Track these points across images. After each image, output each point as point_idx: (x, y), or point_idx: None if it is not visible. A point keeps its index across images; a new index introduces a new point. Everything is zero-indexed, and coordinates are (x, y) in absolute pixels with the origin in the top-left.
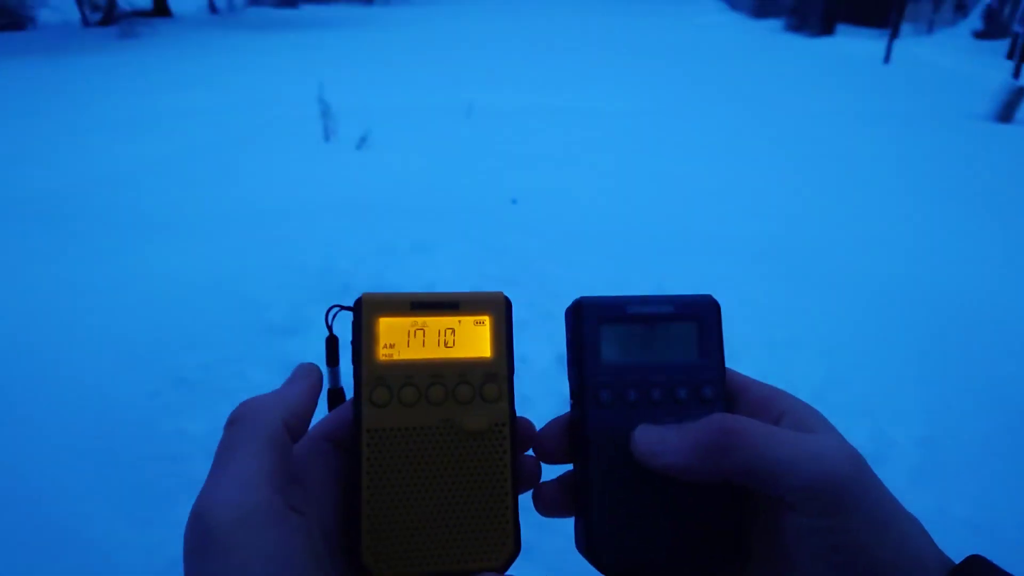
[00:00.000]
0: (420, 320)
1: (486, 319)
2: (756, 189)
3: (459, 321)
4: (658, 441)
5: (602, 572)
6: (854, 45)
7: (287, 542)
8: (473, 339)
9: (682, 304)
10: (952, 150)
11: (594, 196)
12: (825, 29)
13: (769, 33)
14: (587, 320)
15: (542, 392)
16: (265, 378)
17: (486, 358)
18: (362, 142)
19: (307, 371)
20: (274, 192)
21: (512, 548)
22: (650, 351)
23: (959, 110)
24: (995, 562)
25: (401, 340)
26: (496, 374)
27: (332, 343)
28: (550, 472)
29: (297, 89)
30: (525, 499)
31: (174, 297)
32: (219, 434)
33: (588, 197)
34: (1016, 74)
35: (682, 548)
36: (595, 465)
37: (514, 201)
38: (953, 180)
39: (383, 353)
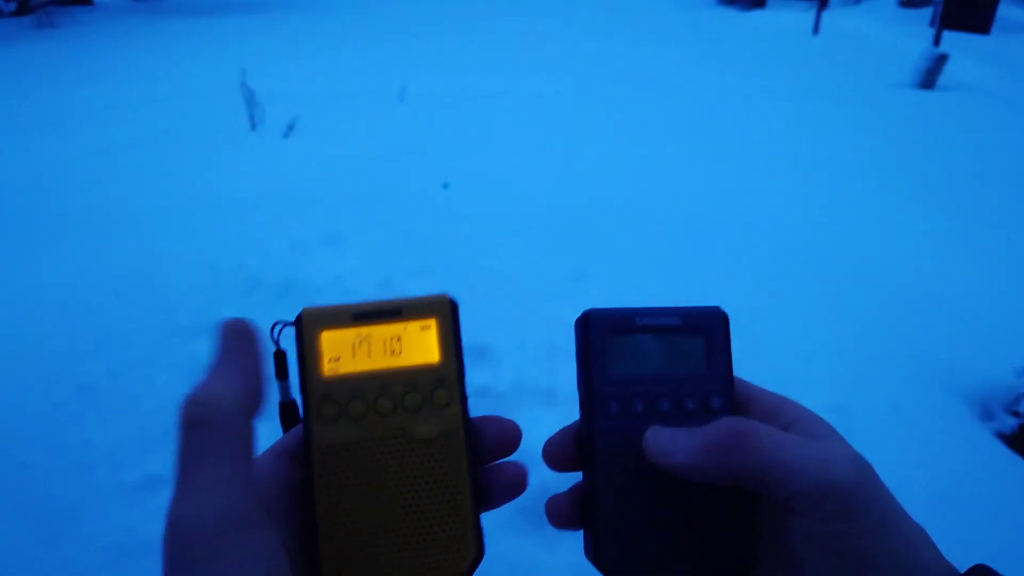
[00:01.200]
0: (364, 331)
1: (431, 323)
2: (692, 164)
3: (404, 328)
4: (669, 440)
5: None
6: (784, 17)
7: (267, 544)
8: (420, 345)
9: (690, 316)
10: (877, 119)
11: (530, 179)
12: (756, 2)
13: (702, 7)
14: (595, 332)
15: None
16: (174, 383)
17: (434, 363)
18: (289, 130)
19: (241, 340)
20: (193, 186)
21: (475, 553)
22: (658, 363)
23: (884, 79)
24: (1000, 572)
25: (346, 352)
26: (445, 378)
27: (280, 357)
28: (562, 484)
29: (224, 77)
30: (510, 506)
31: (80, 300)
32: (124, 442)
33: (525, 181)
34: (936, 42)
35: (690, 557)
36: (603, 475)
37: (446, 186)
38: (877, 149)
39: (328, 367)
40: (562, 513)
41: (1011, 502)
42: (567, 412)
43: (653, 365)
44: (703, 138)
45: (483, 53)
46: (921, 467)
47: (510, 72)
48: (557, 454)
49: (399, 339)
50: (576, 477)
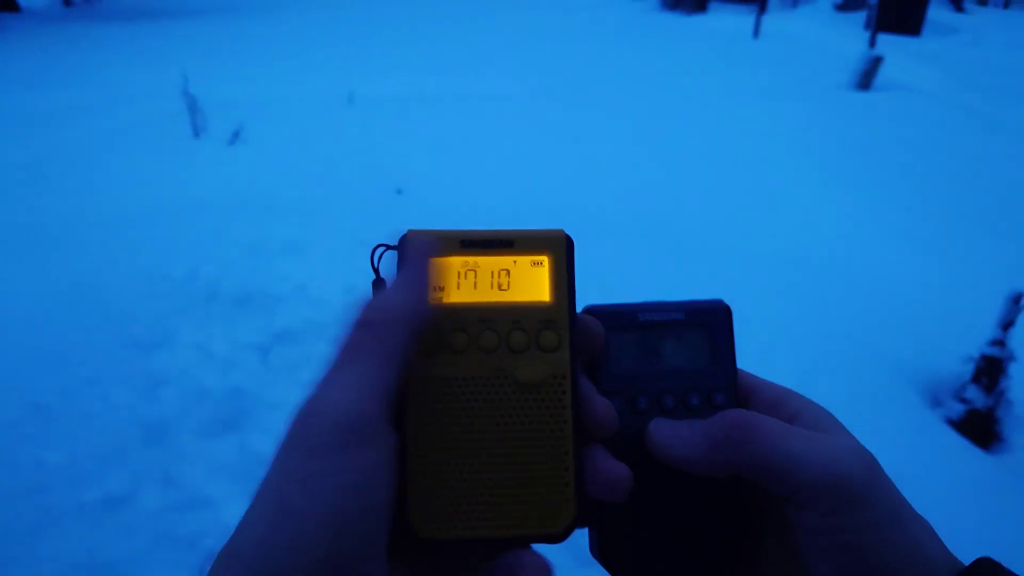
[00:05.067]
0: (471, 260)
1: (544, 259)
2: (637, 164)
3: (514, 261)
4: (671, 433)
5: None
6: (726, 21)
7: (380, 457)
8: (530, 281)
9: (693, 310)
10: (817, 119)
11: (483, 181)
12: (698, 6)
13: (646, 12)
14: None
15: None
16: (131, 399)
17: (544, 302)
18: (235, 137)
19: (423, 255)
20: (137, 196)
21: (574, 513)
22: (661, 358)
23: (824, 80)
24: (1004, 564)
25: (451, 282)
26: (555, 320)
27: (379, 287)
28: None
29: (163, 84)
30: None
31: (26, 316)
32: (81, 461)
33: (478, 183)
34: (872, 43)
35: (695, 553)
36: None
37: (399, 191)
38: (821, 147)
39: (431, 296)
40: None
41: (960, 484)
42: None
43: (656, 361)
44: (651, 137)
45: (431, 55)
46: (875, 453)
47: (460, 74)
48: None
49: (508, 273)
50: None
